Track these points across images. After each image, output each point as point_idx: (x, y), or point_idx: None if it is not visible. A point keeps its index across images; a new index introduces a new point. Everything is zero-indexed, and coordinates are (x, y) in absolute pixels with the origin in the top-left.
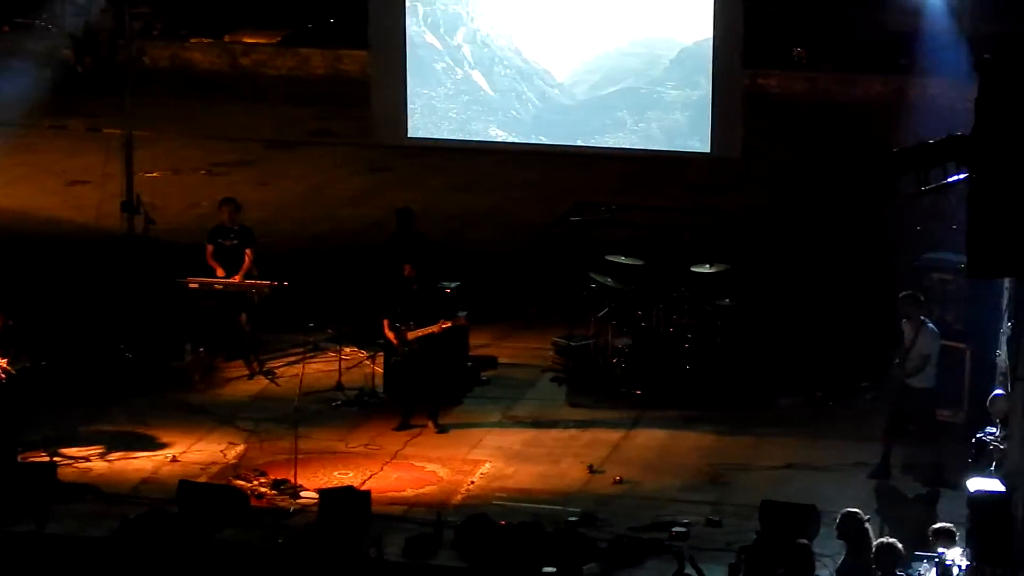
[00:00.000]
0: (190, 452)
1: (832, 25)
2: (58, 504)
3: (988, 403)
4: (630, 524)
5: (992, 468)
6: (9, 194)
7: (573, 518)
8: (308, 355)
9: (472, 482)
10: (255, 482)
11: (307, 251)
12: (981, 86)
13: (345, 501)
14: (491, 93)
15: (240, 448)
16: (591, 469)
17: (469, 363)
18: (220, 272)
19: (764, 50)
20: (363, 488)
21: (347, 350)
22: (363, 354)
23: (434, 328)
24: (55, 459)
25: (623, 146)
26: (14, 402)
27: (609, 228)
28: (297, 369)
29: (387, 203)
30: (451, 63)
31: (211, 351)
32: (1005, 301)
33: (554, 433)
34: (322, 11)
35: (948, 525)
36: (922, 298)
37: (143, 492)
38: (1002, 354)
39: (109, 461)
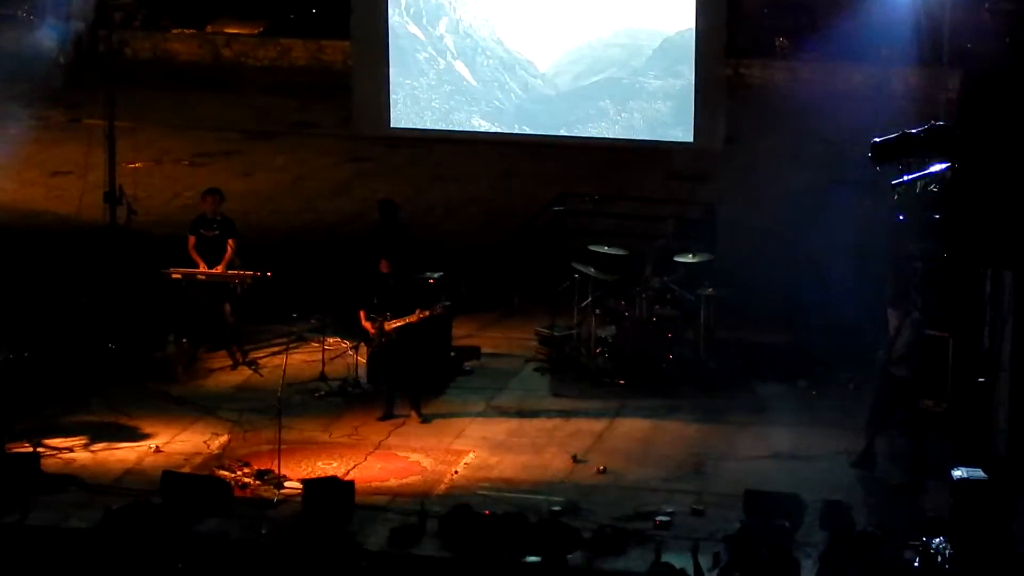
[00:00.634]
0: (173, 443)
1: (814, 15)
2: (42, 495)
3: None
4: (613, 514)
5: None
6: None
7: (557, 508)
8: (291, 345)
9: (456, 472)
10: (239, 472)
11: (289, 241)
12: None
13: (329, 491)
14: (474, 83)
15: (223, 439)
16: (575, 459)
17: (452, 353)
18: (202, 266)
19: (746, 40)
20: (347, 478)
21: (330, 340)
22: (346, 344)
23: (411, 318)
24: (39, 450)
25: (606, 136)
26: None
27: (592, 218)
28: (280, 359)
29: (369, 193)
30: (434, 53)
31: (194, 342)
32: (987, 291)
33: (537, 423)
34: (304, 1)
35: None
36: (908, 288)
37: (126, 483)
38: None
39: (92, 452)
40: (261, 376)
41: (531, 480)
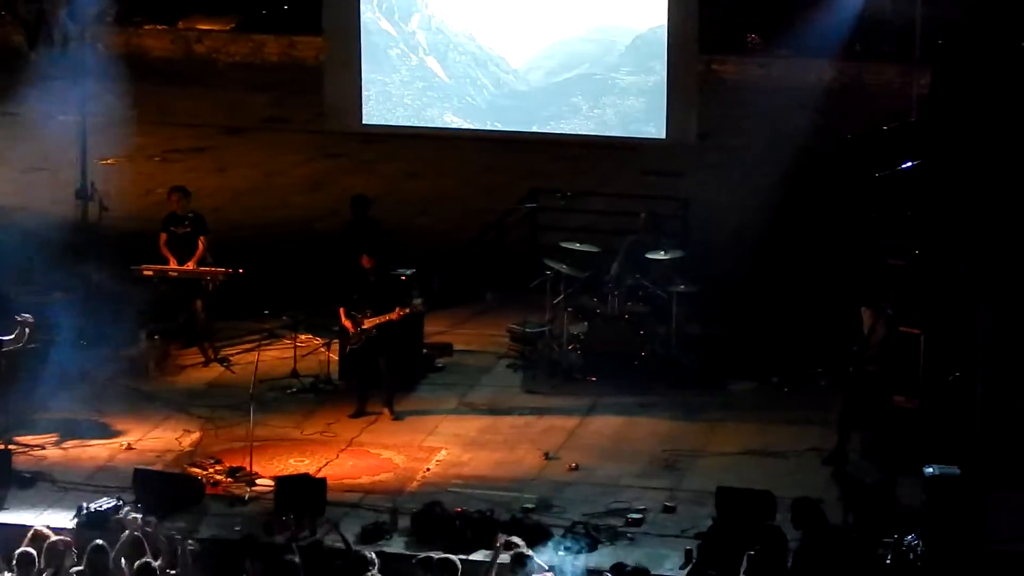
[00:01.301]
0: (145, 440)
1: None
2: (13, 491)
3: None
4: (586, 511)
5: None
6: None
7: (529, 505)
8: (263, 342)
9: (428, 469)
10: (211, 470)
11: (262, 237)
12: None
13: (301, 488)
14: (446, 79)
15: (195, 436)
16: (547, 456)
17: (425, 350)
18: (173, 263)
19: (719, 36)
20: (319, 475)
21: (302, 337)
22: (319, 341)
23: (391, 315)
24: (9, 447)
25: (578, 132)
26: None
27: (564, 214)
28: (252, 356)
29: (342, 190)
30: (406, 49)
31: (166, 338)
32: (959, 287)
33: (510, 420)
34: None
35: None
36: (881, 285)
37: (98, 480)
38: None
39: (64, 449)
40: (233, 373)
41: (503, 477)
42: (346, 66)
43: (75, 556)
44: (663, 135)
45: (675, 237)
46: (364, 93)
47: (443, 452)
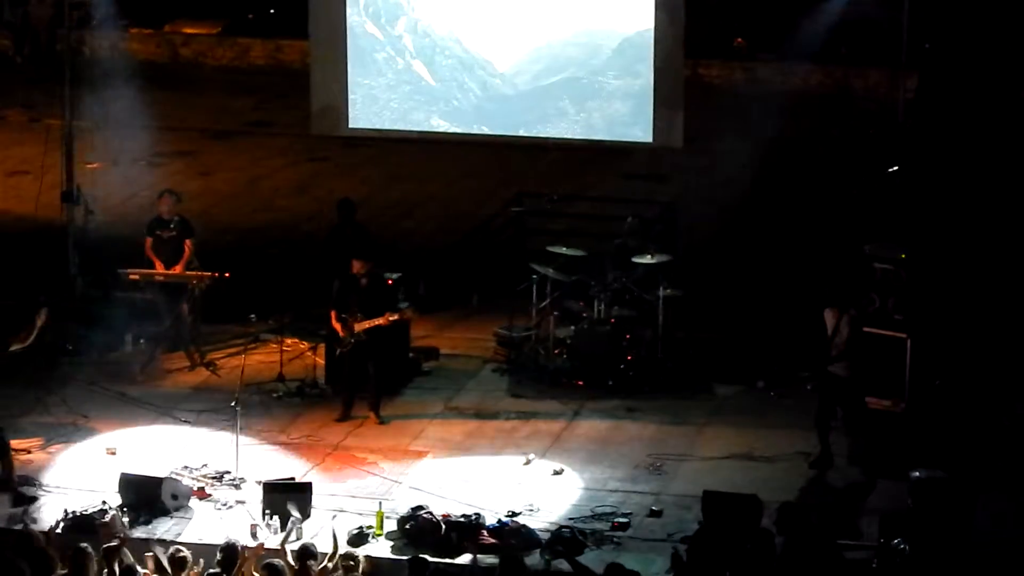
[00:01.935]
0: (131, 444)
1: (772, 15)
2: None
3: None
4: (571, 515)
5: None
6: None
7: (514, 509)
8: (249, 346)
9: (413, 473)
10: (196, 474)
11: (247, 241)
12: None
13: (287, 492)
14: (432, 83)
15: (181, 439)
16: (531, 459)
17: (411, 354)
18: (159, 267)
19: (705, 40)
20: (305, 479)
21: (288, 341)
22: (305, 345)
23: (381, 320)
24: None
25: (565, 136)
26: None
27: (551, 218)
28: (238, 360)
29: (327, 193)
30: (392, 53)
31: (152, 342)
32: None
33: (496, 424)
34: (262, 1)
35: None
36: (858, 288)
37: (83, 484)
38: None
39: (49, 453)
40: (219, 377)
41: (489, 481)
42: (332, 70)
43: (60, 559)
44: (650, 139)
45: (661, 241)
46: (350, 97)
47: (429, 456)
